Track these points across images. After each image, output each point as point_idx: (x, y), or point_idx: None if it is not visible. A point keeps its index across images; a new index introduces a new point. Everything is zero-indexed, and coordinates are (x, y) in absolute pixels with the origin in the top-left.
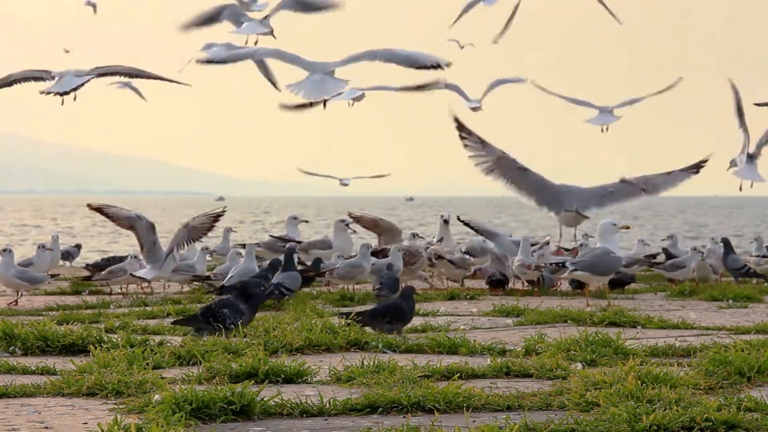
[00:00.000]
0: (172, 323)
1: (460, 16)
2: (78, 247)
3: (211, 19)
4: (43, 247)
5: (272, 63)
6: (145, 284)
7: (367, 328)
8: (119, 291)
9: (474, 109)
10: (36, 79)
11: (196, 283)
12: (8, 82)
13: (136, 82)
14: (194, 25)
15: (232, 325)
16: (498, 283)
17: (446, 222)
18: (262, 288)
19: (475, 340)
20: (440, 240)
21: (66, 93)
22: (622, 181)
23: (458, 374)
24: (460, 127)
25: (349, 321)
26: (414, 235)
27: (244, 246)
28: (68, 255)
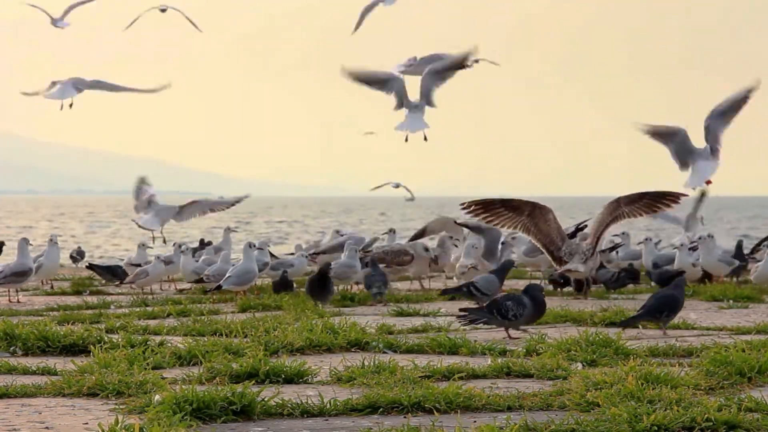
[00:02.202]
0: (458, 317)
1: (361, 20)
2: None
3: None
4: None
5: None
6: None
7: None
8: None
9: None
10: None
11: (196, 283)
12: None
13: None
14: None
15: (514, 317)
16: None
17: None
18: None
19: (475, 341)
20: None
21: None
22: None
23: (459, 374)
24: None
25: (625, 324)
26: (392, 231)
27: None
28: (78, 255)
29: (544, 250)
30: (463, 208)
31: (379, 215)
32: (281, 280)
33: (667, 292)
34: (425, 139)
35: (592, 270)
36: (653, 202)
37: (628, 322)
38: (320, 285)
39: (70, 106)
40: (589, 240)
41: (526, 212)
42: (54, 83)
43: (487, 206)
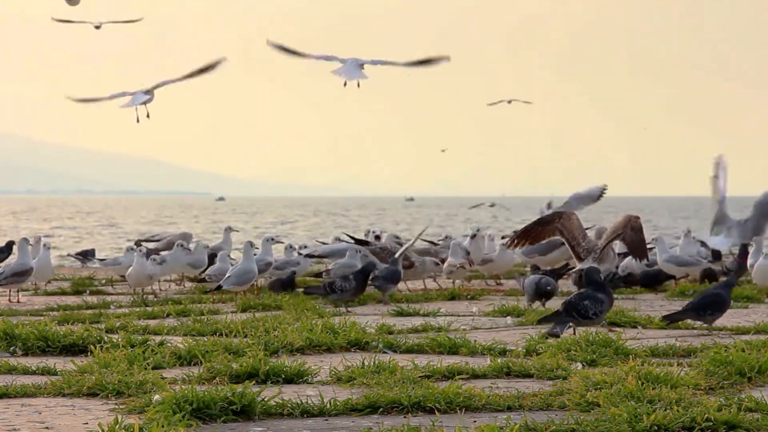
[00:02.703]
0: (538, 322)
1: None
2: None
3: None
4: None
5: None
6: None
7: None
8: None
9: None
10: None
11: (194, 283)
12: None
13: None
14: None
15: (595, 315)
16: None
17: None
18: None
19: (475, 341)
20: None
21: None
22: None
23: (459, 374)
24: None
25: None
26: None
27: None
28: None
29: (568, 247)
30: (510, 246)
31: (377, 214)
32: (288, 280)
33: (713, 291)
34: (358, 86)
35: (608, 270)
36: (638, 245)
37: (673, 318)
38: (365, 283)
39: (147, 116)
40: (602, 242)
41: (556, 220)
42: (123, 93)
43: (527, 233)
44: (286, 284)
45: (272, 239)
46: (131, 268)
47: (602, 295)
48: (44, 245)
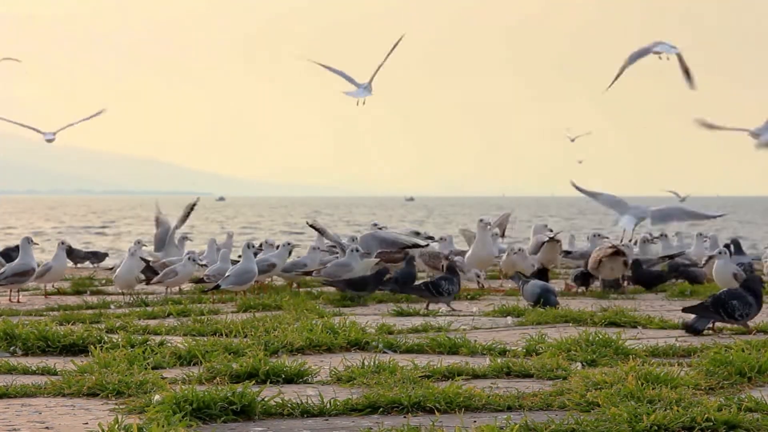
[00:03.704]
0: (683, 310)
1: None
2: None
3: None
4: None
5: None
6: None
7: None
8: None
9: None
10: None
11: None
12: None
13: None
14: None
15: (741, 316)
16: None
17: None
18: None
19: (475, 341)
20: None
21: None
22: None
23: (459, 374)
24: None
25: None
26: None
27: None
28: (95, 256)
29: None
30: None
31: (372, 214)
32: (409, 274)
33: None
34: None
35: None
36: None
37: None
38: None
39: (363, 103)
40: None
41: None
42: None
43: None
44: (407, 277)
45: (289, 244)
46: (119, 268)
47: (752, 297)
48: (61, 243)
